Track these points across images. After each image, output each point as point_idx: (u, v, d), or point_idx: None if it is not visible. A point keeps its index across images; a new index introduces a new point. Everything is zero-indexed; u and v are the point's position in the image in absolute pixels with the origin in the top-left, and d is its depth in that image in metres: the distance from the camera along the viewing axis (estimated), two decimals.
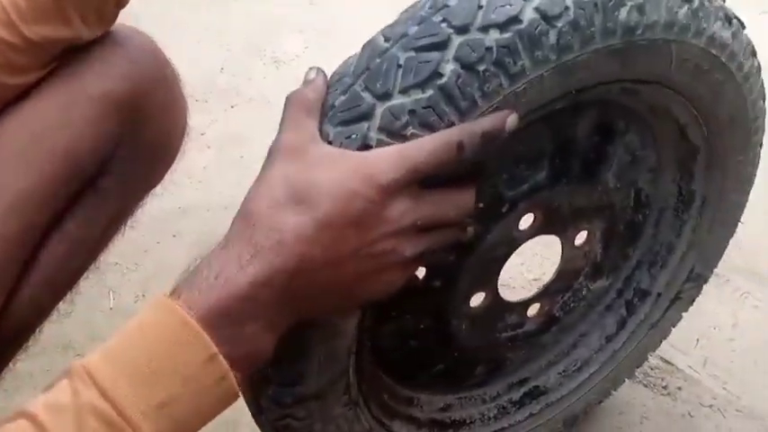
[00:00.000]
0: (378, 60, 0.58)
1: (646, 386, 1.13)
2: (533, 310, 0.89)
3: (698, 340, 1.20)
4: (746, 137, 0.81)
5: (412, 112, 0.56)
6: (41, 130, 0.72)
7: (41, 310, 0.80)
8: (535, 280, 1.23)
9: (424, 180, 0.56)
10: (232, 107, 1.62)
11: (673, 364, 1.16)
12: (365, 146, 0.56)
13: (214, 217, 1.39)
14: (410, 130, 0.56)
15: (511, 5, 0.57)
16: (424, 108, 0.56)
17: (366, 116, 0.57)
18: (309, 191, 0.53)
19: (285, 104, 0.59)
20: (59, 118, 0.72)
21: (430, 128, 0.56)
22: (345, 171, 0.53)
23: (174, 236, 1.38)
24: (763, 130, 0.84)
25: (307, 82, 0.60)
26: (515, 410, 0.96)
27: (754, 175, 0.88)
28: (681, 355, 1.17)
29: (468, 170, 0.60)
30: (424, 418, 0.88)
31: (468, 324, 0.82)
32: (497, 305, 0.84)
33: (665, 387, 1.13)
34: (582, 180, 0.78)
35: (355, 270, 0.55)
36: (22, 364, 0.85)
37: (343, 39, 0.65)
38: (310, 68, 0.61)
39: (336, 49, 0.61)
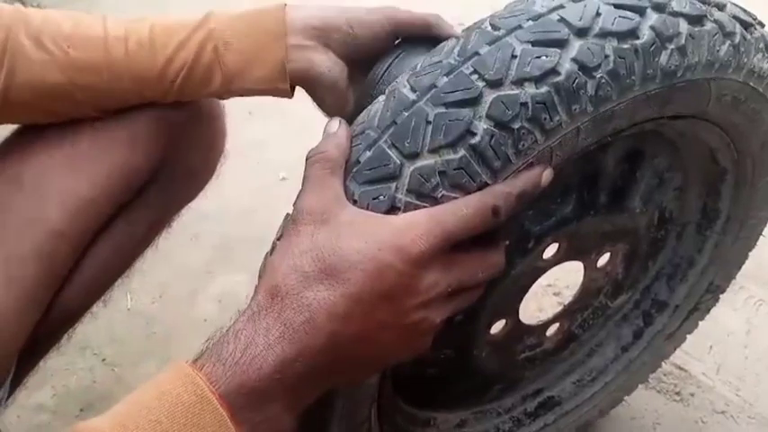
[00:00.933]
0: (405, 114, 0.55)
1: (659, 392, 1.13)
2: (552, 329, 0.87)
3: (711, 347, 1.20)
4: None
5: (442, 173, 0.53)
6: (109, 144, 0.75)
7: (77, 312, 0.84)
8: (549, 286, 1.22)
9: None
10: (250, 113, 1.61)
11: (686, 371, 1.16)
12: (393, 208, 0.54)
13: (232, 221, 1.41)
14: (441, 192, 0.53)
15: (547, 57, 0.53)
16: (455, 169, 0.53)
17: (394, 177, 0.54)
18: (339, 264, 0.50)
19: (307, 162, 0.56)
20: (125, 135, 0.76)
21: (462, 189, 0.53)
22: (375, 242, 0.51)
23: (192, 239, 1.37)
24: None
25: (328, 135, 0.57)
26: (530, 422, 0.96)
27: None
28: (694, 362, 1.17)
29: (497, 228, 0.57)
30: None
31: (488, 350, 0.81)
32: (518, 329, 0.82)
33: (677, 393, 1.13)
34: (609, 208, 0.75)
35: (385, 341, 0.53)
36: (42, 362, 0.87)
37: None
38: (331, 120, 0.58)
39: None
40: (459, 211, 0.52)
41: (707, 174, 0.80)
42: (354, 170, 0.55)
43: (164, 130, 0.78)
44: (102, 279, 0.85)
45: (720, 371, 1.17)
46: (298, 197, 0.55)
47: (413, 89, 0.56)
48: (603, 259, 0.84)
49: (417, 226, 0.51)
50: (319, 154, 0.55)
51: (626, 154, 0.73)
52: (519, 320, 0.81)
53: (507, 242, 0.68)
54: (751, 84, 0.66)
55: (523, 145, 0.54)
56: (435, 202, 0.53)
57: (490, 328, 0.79)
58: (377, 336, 0.52)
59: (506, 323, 0.80)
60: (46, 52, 0.68)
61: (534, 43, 0.54)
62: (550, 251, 0.75)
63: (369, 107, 0.58)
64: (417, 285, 0.52)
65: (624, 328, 0.97)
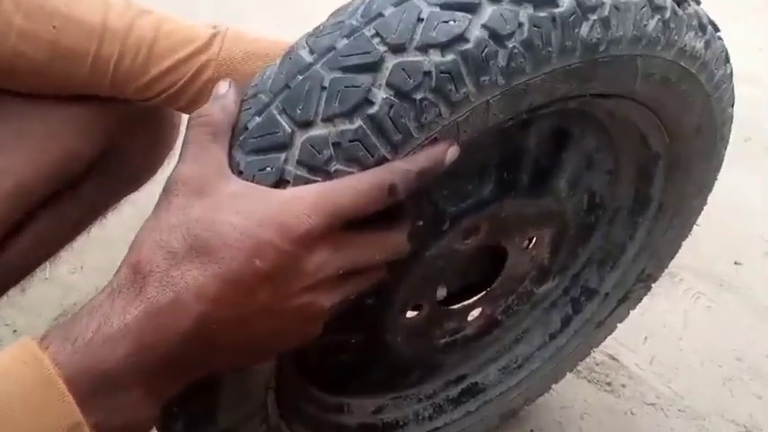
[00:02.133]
0: (299, 78, 0.49)
1: (589, 382, 1.11)
2: (474, 315, 0.84)
3: (646, 338, 1.18)
4: (712, 144, 0.75)
5: (336, 145, 0.48)
6: (60, 127, 0.70)
7: None
8: None
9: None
10: None
11: (618, 361, 1.14)
12: (282, 181, 0.48)
13: (160, 190, 1.33)
14: (334, 166, 0.48)
15: (455, 21, 0.48)
16: (350, 141, 0.48)
17: (284, 146, 0.49)
18: (212, 240, 0.45)
19: (187, 126, 0.50)
20: (76, 121, 0.70)
21: (358, 163, 0.48)
22: (256, 217, 0.45)
23: (118, 208, 1.30)
24: (729, 135, 0.78)
25: (215, 98, 0.51)
26: (452, 409, 0.93)
27: (715, 179, 0.83)
28: (628, 353, 1.15)
29: (400, 205, 0.53)
30: (353, 423, 0.84)
31: (404, 335, 0.77)
32: (436, 314, 0.78)
33: (609, 383, 1.11)
34: (532, 191, 0.71)
35: (266, 327, 0.48)
36: None
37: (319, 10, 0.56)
38: (221, 82, 0.52)
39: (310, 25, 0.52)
40: (352, 187, 0.48)
41: (639, 158, 0.77)
42: (241, 138, 0.50)
43: (115, 121, 0.73)
44: (18, 269, 0.79)
45: (653, 362, 1.15)
46: (174, 168, 0.49)
47: (311, 51, 0.50)
48: (529, 245, 0.80)
49: (304, 201, 0.46)
50: (201, 117, 0.50)
51: (550, 133, 0.69)
52: (437, 305, 0.77)
53: (420, 222, 0.65)
54: (682, 63, 0.62)
55: (426, 118, 0.49)
56: (328, 176, 0.48)
57: (405, 312, 0.74)
58: (255, 321, 0.47)
59: (423, 308, 0.76)
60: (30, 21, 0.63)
61: (443, 6, 0.49)
62: (470, 234, 0.71)
63: (264, 68, 0.52)
64: (302, 267, 0.47)
65: (552, 315, 0.94)
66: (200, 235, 0.45)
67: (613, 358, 1.14)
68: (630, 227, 0.86)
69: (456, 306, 0.79)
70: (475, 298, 0.81)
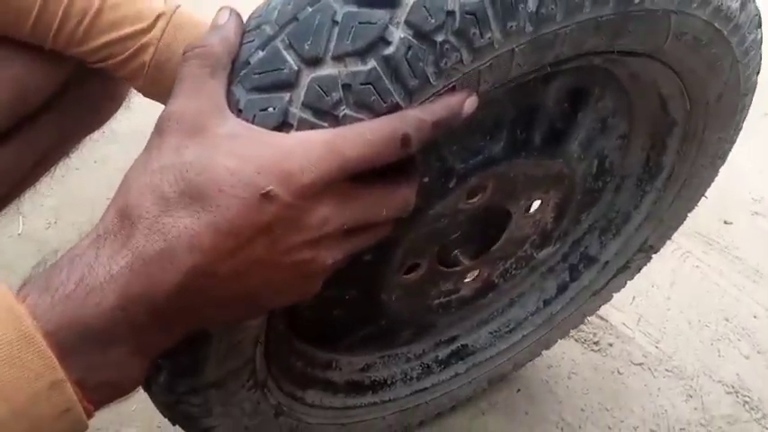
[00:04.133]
0: (309, 10, 0.45)
1: (577, 341, 1.10)
2: (471, 276, 0.81)
3: (634, 298, 1.17)
4: (731, 114, 0.72)
5: (347, 87, 0.44)
6: (12, 58, 0.64)
7: None
8: None
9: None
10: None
11: (606, 320, 1.13)
12: (285, 124, 0.44)
13: (140, 144, 1.27)
14: (343, 111, 0.44)
15: None
16: (362, 84, 0.44)
17: (289, 85, 0.44)
18: (208, 186, 0.41)
19: (183, 58, 0.46)
20: (26, 52, 0.64)
21: (368, 109, 0.44)
22: (258, 164, 0.41)
23: (96, 162, 1.25)
24: (749, 106, 0.75)
25: (215, 28, 0.47)
26: (440, 370, 0.91)
27: (729, 152, 0.80)
28: (615, 312, 1.14)
29: (411, 158, 0.49)
30: (341, 380, 0.82)
31: (400, 294, 0.74)
32: (433, 274, 0.75)
33: (596, 343, 1.10)
34: (544, 151, 0.67)
35: (262, 282, 0.44)
36: None
37: None
38: (222, 8, 0.48)
39: None
40: (362, 135, 0.44)
41: (655, 124, 0.74)
42: (242, 73, 0.46)
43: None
44: None
45: (641, 322, 1.14)
46: (168, 103, 0.45)
47: None
48: (534, 209, 0.76)
49: (310, 149, 0.42)
50: (199, 48, 0.45)
51: (569, 92, 0.65)
52: (436, 265, 0.74)
53: (426, 179, 0.62)
54: (716, 24, 0.58)
55: (446, 63, 0.45)
56: (336, 121, 0.44)
57: (402, 270, 0.71)
58: (251, 275, 0.43)
59: (421, 267, 0.73)
60: None
61: None
62: (476, 195, 0.68)
63: None
64: (304, 220, 0.43)
65: (549, 281, 0.92)
66: (194, 179, 0.41)
67: (601, 318, 1.13)
68: (637, 196, 0.83)
69: (455, 268, 0.76)
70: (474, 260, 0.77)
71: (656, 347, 1.11)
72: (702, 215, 1.27)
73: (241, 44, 0.47)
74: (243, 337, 0.57)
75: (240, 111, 0.45)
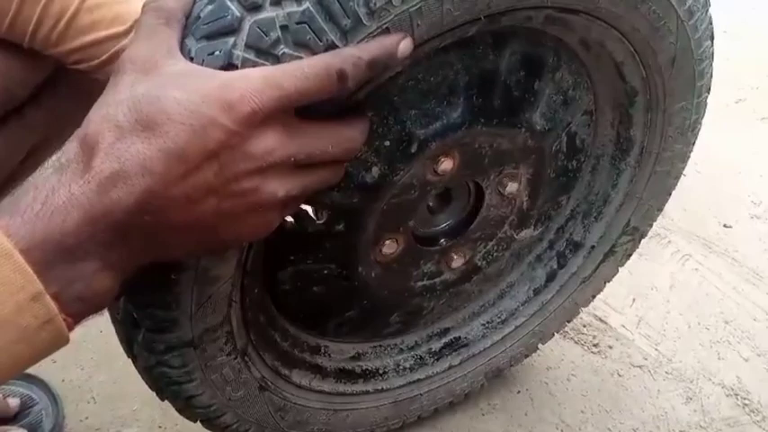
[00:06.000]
0: None
1: (576, 343, 1.10)
2: (453, 258, 0.83)
3: (634, 300, 1.17)
4: (690, 80, 0.74)
5: (284, 27, 0.48)
6: None
7: None
8: None
9: (305, 111, 0.49)
10: None
11: (606, 323, 1.13)
12: (230, 65, 0.49)
13: None
14: (282, 50, 0.49)
15: None
16: (297, 24, 0.48)
17: (232, 30, 0.49)
18: (157, 116, 0.45)
19: (142, 11, 0.51)
20: (11, 46, 0.68)
21: (306, 48, 0.49)
22: (202, 95, 0.45)
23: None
24: (711, 75, 0.77)
25: None
26: (434, 361, 0.92)
27: (699, 124, 0.82)
28: (615, 314, 1.14)
29: (358, 103, 0.53)
30: (331, 366, 0.83)
31: (379, 271, 0.76)
32: (411, 252, 0.77)
33: (596, 345, 1.10)
34: (504, 119, 0.70)
35: (215, 209, 0.47)
36: None
37: None
38: None
39: None
40: (299, 69, 0.47)
41: (616, 95, 0.76)
42: (194, 26, 0.51)
43: None
44: None
45: (641, 324, 1.13)
46: (127, 48, 0.50)
47: None
48: (507, 185, 0.79)
49: (250, 81, 0.46)
50: (155, 2, 0.51)
51: (523, 60, 0.68)
52: (413, 242, 0.76)
53: (387, 143, 0.65)
54: None
55: (375, 4, 0.49)
56: (276, 60, 0.49)
57: (378, 245, 0.74)
58: (203, 201, 0.47)
59: (398, 243, 0.75)
60: None
61: None
62: (442, 164, 0.71)
63: None
64: (248, 148, 0.47)
65: (537, 270, 0.93)
66: (145, 109, 0.45)
67: (601, 320, 1.12)
68: (613, 175, 0.85)
69: (433, 246, 0.78)
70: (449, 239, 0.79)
71: (656, 350, 1.11)
72: (702, 218, 1.28)
73: (194, 3, 0.52)
74: (214, 292, 0.60)
75: (192, 58, 0.50)
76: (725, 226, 1.30)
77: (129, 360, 0.99)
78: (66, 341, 0.45)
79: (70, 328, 0.45)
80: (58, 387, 0.99)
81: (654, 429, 1.00)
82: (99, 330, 1.08)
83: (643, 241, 1.25)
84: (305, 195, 0.52)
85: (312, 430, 0.84)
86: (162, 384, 0.66)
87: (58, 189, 0.44)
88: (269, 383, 0.74)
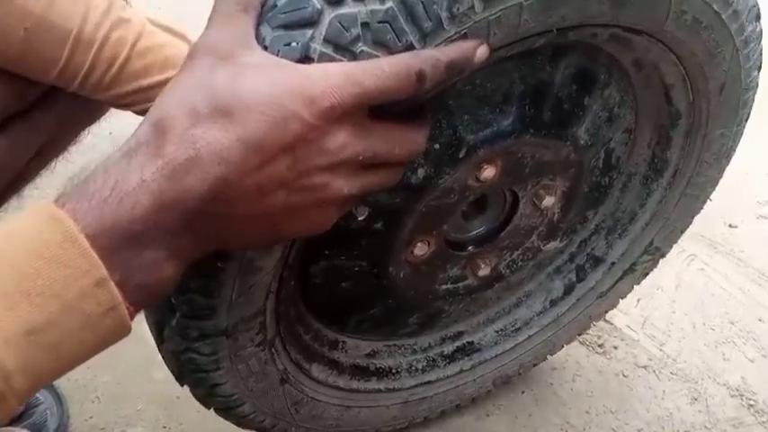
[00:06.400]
0: None
1: (581, 343, 1.10)
2: (479, 264, 0.82)
3: (639, 300, 1.17)
4: (734, 108, 0.75)
5: (365, 25, 0.47)
6: None
7: None
8: None
9: (372, 110, 0.48)
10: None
11: (611, 323, 1.14)
12: (306, 58, 0.48)
13: None
14: (360, 47, 0.48)
15: None
16: (379, 22, 0.47)
17: (311, 23, 0.48)
18: (237, 104, 0.44)
19: None
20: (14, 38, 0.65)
21: (384, 47, 0.48)
22: (282, 87, 0.44)
23: (111, 133, 1.29)
24: (752, 104, 0.78)
25: None
26: (445, 364, 0.92)
27: (734, 151, 0.82)
28: (620, 315, 1.14)
29: (423, 106, 0.52)
30: (347, 362, 0.83)
31: (408, 271, 0.76)
32: (441, 256, 0.77)
33: (600, 345, 1.10)
34: (552, 131, 0.70)
35: (282, 202, 0.47)
36: None
37: None
38: None
39: None
40: (379, 68, 0.47)
41: (659, 116, 0.77)
42: (269, 14, 0.49)
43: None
44: None
45: (646, 325, 1.14)
46: (202, 34, 0.48)
47: None
48: (543, 197, 0.78)
49: (331, 77, 0.45)
50: None
51: (577, 73, 0.68)
52: (444, 245, 0.76)
53: (437, 146, 0.65)
54: (714, 7, 0.61)
55: (458, 9, 0.48)
56: (353, 57, 0.48)
57: (411, 245, 0.73)
58: (273, 192, 0.46)
59: (430, 245, 0.75)
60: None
61: None
62: (485, 172, 0.70)
63: None
64: (324, 143, 0.46)
65: (556, 281, 0.94)
66: (223, 96, 0.44)
67: (606, 320, 1.13)
68: (643, 194, 0.86)
69: (462, 251, 0.78)
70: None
71: (661, 350, 1.12)
72: (708, 218, 1.28)
73: None
74: (256, 281, 0.59)
75: (266, 47, 0.48)
76: (730, 226, 1.32)
77: (134, 360, 0.99)
78: (128, 330, 0.44)
79: (132, 317, 0.44)
80: (63, 387, 0.98)
81: (659, 430, 1.01)
82: None
83: None
84: (365, 194, 0.51)
85: (323, 425, 0.83)
86: (186, 370, 0.65)
87: (129, 174, 0.43)
88: (290, 376, 0.74)
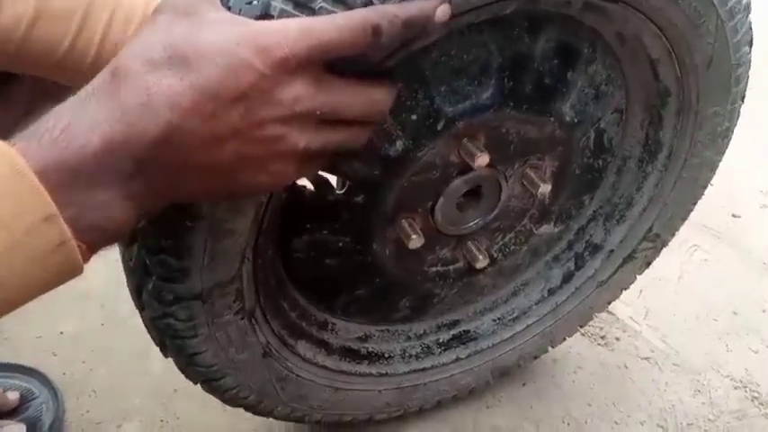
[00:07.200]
0: None
1: (583, 335, 1.09)
2: (470, 247, 0.82)
3: (641, 291, 1.15)
4: (726, 85, 0.74)
5: None
6: None
7: None
8: None
9: (337, 68, 0.49)
10: None
11: (613, 314, 1.12)
12: (266, 15, 0.49)
13: None
14: (320, 3, 0.49)
15: None
16: None
17: None
18: (192, 53, 0.45)
19: None
20: None
21: (343, 4, 0.49)
22: (238, 38, 0.45)
23: None
24: (747, 82, 0.76)
25: None
26: (441, 352, 0.91)
27: (731, 132, 0.81)
28: (622, 306, 1.12)
29: (391, 70, 0.53)
30: (337, 344, 0.83)
31: (394, 250, 0.76)
32: (428, 235, 0.77)
33: (602, 337, 1.09)
34: (534, 106, 0.70)
35: (236, 153, 0.47)
36: None
37: None
38: None
39: None
40: (334, 22, 0.47)
41: (649, 94, 0.76)
42: None
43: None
44: None
45: (648, 316, 1.12)
46: None
47: None
48: (531, 177, 0.77)
49: (285, 29, 0.46)
50: None
51: (558, 47, 0.68)
52: (431, 225, 0.76)
53: (414, 116, 0.65)
54: None
55: None
56: (312, 13, 0.49)
57: (396, 223, 0.73)
58: (226, 142, 0.47)
59: (414, 222, 0.75)
60: None
61: None
62: (467, 147, 0.70)
63: None
64: (277, 93, 0.47)
65: (554, 270, 0.92)
66: (181, 47, 0.45)
67: (608, 311, 1.11)
68: (639, 177, 0.84)
69: (452, 229, 0.78)
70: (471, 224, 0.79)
71: (664, 342, 1.10)
72: (710, 208, 1.26)
73: None
74: (228, 245, 0.60)
75: (230, 8, 0.50)
76: (734, 216, 1.29)
77: (131, 353, 1.00)
78: (80, 269, 0.45)
79: (84, 257, 0.45)
80: (59, 381, 0.99)
81: (661, 422, 0.98)
82: (100, 323, 1.08)
83: None
84: (325, 152, 0.52)
85: (312, 406, 0.83)
86: (166, 337, 0.66)
87: (81, 116, 0.44)
88: (273, 350, 0.74)
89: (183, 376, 0.76)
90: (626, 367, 1.05)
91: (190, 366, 0.70)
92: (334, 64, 0.49)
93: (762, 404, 1.01)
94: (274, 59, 0.45)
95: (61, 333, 1.07)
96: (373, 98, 0.52)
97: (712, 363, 1.07)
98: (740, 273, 1.23)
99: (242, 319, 0.68)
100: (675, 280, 1.19)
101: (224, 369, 0.71)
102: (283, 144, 0.49)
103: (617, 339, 1.09)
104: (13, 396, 0.95)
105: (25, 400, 0.96)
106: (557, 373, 1.04)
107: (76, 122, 0.44)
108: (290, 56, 0.46)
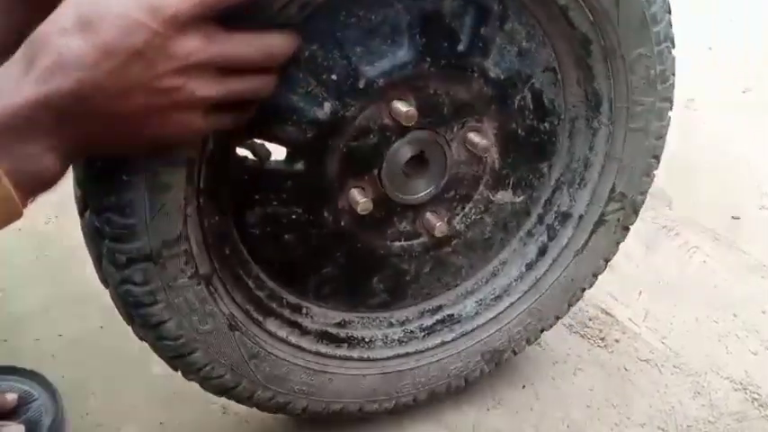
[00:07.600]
0: None
1: (582, 337, 1.07)
2: (430, 218, 0.84)
3: (641, 293, 1.14)
4: (642, 24, 0.77)
5: None
6: None
7: None
8: None
9: (235, 22, 0.56)
10: None
11: (612, 316, 1.10)
12: None
13: None
14: None
15: None
16: None
17: None
18: (94, 17, 0.53)
19: None
20: None
21: None
22: (134, 2, 0.54)
23: None
24: (669, 23, 0.79)
25: None
26: (425, 336, 0.92)
27: (669, 75, 0.82)
28: (622, 307, 1.11)
29: (292, 26, 0.60)
30: (314, 327, 0.85)
31: (349, 221, 0.79)
32: (381, 204, 0.80)
33: (602, 339, 1.07)
34: (452, 62, 0.74)
35: (143, 104, 0.55)
36: None
37: None
38: None
39: None
40: None
41: (572, 47, 0.79)
42: None
43: None
44: None
45: (648, 318, 1.09)
46: None
47: None
48: (473, 139, 0.81)
49: None
50: None
51: (465, 3, 0.73)
52: (380, 191, 0.79)
53: (334, 76, 0.71)
54: None
55: None
56: None
57: (345, 192, 0.77)
58: (131, 94, 0.54)
59: (364, 191, 0.78)
60: None
61: None
62: (397, 107, 0.74)
63: None
64: (172, 48, 0.54)
65: (529, 245, 0.93)
66: (86, 13, 0.54)
67: (607, 313, 1.09)
68: (589, 136, 0.87)
69: (405, 198, 0.81)
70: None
71: (663, 344, 1.07)
72: (710, 210, 1.25)
73: None
74: (167, 201, 0.65)
75: None
76: (733, 218, 1.26)
77: (131, 356, 1.02)
78: (18, 215, 0.53)
79: (24, 205, 0.53)
80: (58, 383, 0.98)
81: (661, 424, 0.95)
82: (99, 326, 1.11)
83: (650, 233, 1.22)
84: (229, 100, 0.59)
85: (293, 390, 0.85)
86: (130, 307, 0.71)
87: (7, 81, 0.53)
88: (239, 324, 0.77)
89: (182, 380, 0.80)
90: (626, 369, 1.04)
91: (159, 341, 0.74)
92: (237, 20, 0.56)
93: (762, 406, 0.98)
94: (165, 17, 0.53)
95: (60, 336, 1.10)
96: (270, 43, 0.59)
97: (712, 364, 1.05)
98: (740, 274, 1.21)
99: (198, 284, 0.72)
100: (675, 282, 1.18)
101: (192, 343, 0.75)
102: (182, 94, 0.56)
103: (616, 341, 1.08)
104: (11, 398, 0.96)
105: (24, 402, 0.97)
106: (556, 375, 1.02)
107: (2, 86, 0.52)
108: (179, 13, 0.54)
